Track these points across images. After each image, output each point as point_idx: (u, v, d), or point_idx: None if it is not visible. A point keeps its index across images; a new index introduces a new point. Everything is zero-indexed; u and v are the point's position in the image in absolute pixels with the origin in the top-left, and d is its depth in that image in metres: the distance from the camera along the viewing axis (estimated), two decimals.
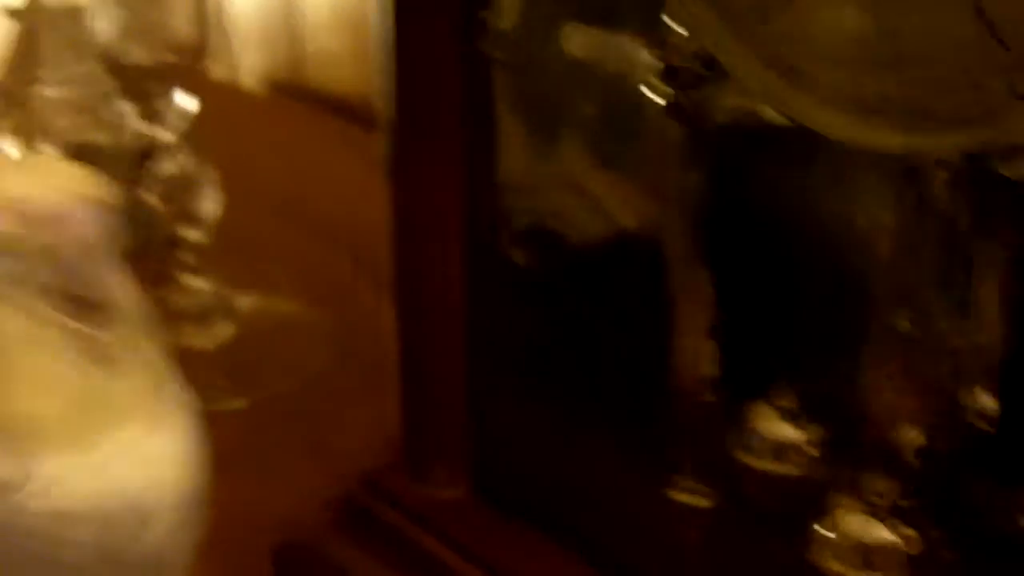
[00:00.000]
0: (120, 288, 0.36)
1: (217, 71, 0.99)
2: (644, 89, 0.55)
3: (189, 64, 0.71)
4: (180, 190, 0.74)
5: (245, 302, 0.78)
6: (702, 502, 0.54)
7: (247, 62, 1.09)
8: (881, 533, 0.48)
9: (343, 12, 1.03)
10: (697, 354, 0.53)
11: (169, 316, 0.73)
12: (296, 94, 1.06)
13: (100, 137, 0.82)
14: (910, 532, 0.48)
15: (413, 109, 0.54)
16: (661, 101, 0.50)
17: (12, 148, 0.83)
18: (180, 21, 0.71)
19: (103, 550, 0.37)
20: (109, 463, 0.37)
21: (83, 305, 0.36)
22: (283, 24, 1.07)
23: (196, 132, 0.73)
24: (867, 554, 0.48)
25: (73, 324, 0.36)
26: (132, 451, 0.37)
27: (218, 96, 0.81)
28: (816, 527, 0.49)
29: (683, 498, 0.54)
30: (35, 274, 0.36)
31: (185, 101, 0.72)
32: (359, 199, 0.93)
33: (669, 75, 0.49)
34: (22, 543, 0.37)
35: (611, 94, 0.72)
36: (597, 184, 0.73)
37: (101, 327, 0.36)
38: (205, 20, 0.72)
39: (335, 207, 0.92)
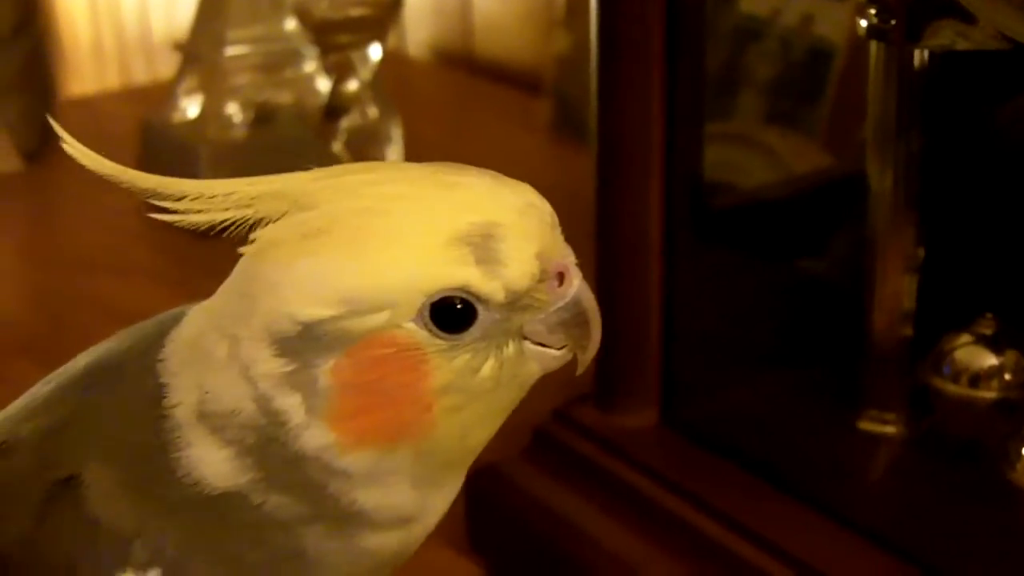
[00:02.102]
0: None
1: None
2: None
3: (384, 18, 0.72)
4: (366, 139, 0.76)
5: None
6: (893, 431, 0.55)
7: (415, 31, 1.11)
8: None
9: None
10: (898, 289, 0.53)
11: None
12: (463, 63, 1.08)
13: (283, 96, 0.85)
14: None
15: (617, 54, 0.54)
16: (864, 23, 0.50)
17: (194, 106, 0.86)
18: None
19: None
20: None
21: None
22: None
23: (380, 81, 0.75)
24: None
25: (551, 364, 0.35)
26: None
27: (386, 63, 0.82)
28: (1015, 448, 0.49)
29: (873, 428, 0.55)
30: (521, 324, 0.34)
31: (372, 51, 0.74)
32: (528, 163, 0.94)
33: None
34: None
35: (789, 48, 0.73)
36: (769, 135, 0.74)
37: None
38: None
39: (503, 171, 0.93)
